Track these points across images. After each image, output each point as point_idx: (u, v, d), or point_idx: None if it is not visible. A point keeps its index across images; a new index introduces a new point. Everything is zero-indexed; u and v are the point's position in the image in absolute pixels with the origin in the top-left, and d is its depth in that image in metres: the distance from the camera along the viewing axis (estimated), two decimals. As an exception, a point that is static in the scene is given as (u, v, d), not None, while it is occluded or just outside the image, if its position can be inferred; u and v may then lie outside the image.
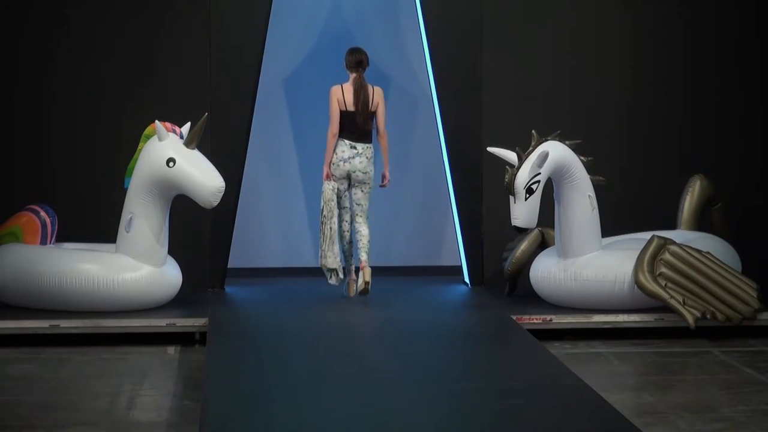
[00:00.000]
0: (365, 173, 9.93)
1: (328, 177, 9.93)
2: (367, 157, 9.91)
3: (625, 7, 10.80)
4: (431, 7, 10.58)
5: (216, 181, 9.01)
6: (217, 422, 6.15)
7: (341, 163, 9.89)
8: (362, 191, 9.99)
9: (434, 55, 10.61)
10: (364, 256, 10.00)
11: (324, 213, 9.89)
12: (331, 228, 9.88)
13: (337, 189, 9.96)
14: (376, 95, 9.93)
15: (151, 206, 9.17)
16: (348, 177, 9.93)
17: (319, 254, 9.97)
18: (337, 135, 9.90)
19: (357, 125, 9.89)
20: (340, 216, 10.02)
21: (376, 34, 11.52)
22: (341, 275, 9.95)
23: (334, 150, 9.92)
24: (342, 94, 9.91)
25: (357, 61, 9.92)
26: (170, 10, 10.44)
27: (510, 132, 10.01)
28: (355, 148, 9.89)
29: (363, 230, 10.04)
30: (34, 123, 10.40)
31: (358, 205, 10.03)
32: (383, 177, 10.06)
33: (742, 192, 10.68)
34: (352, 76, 9.95)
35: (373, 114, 9.94)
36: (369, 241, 10.03)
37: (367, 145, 9.93)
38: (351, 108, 9.89)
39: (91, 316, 9.07)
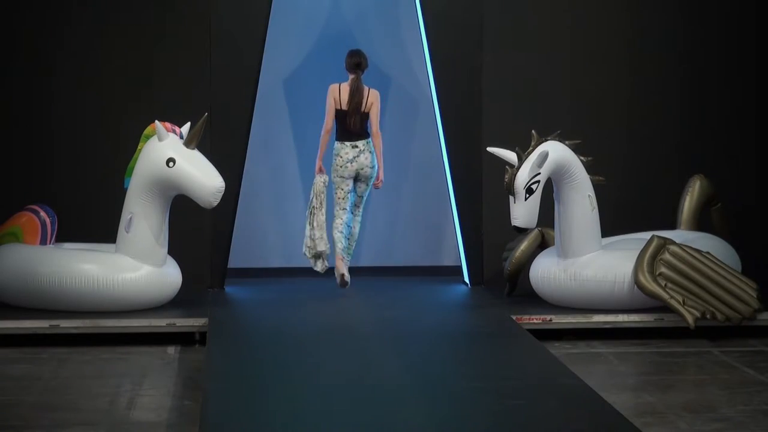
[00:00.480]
0: (372, 167, 10.30)
1: (320, 171, 10.33)
2: (369, 151, 10.29)
3: (625, 8, 10.79)
4: (431, 7, 10.57)
5: (216, 181, 9.01)
6: (217, 422, 6.15)
7: (348, 164, 10.26)
8: (366, 184, 10.39)
9: (434, 55, 10.61)
10: (347, 258, 10.33)
11: (314, 204, 10.27)
12: (318, 219, 10.24)
13: (340, 189, 10.27)
14: (371, 97, 10.26)
15: (151, 206, 9.17)
16: (356, 175, 10.29)
17: (305, 243, 10.31)
18: (330, 131, 10.29)
19: (350, 124, 10.24)
20: (338, 215, 10.30)
21: (376, 34, 11.52)
22: (326, 263, 10.27)
23: (339, 154, 10.27)
24: (339, 93, 10.26)
25: (355, 63, 10.27)
26: (170, 10, 10.43)
27: (510, 132, 10.01)
28: (356, 146, 10.25)
29: (356, 228, 10.42)
30: (34, 123, 10.40)
31: (360, 196, 10.41)
32: (376, 178, 10.34)
33: (741, 192, 10.68)
34: (351, 77, 10.28)
35: (366, 114, 10.26)
36: (355, 241, 10.44)
37: (365, 140, 10.28)
38: (345, 107, 10.24)
39: (91, 316, 9.07)
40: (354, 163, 10.25)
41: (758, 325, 9.10)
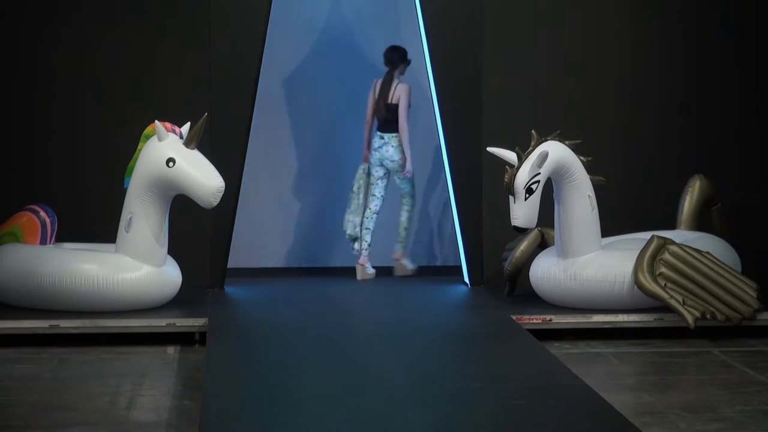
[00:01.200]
0: (393, 161, 10.90)
1: (365, 159, 11.03)
2: (393, 146, 10.91)
3: (625, 8, 10.79)
4: (431, 6, 10.57)
5: (216, 181, 9.00)
6: (217, 422, 6.15)
7: (374, 152, 10.98)
8: (399, 178, 10.98)
9: (434, 55, 10.60)
10: (396, 247, 11.14)
11: (353, 190, 11.02)
12: (357, 202, 11.00)
13: (372, 175, 10.97)
14: (398, 90, 10.88)
15: (150, 206, 9.17)
16: (383, 165, 10.95)
17: (344, 223, 11.12)
18: (369, 123, 11.03)
19: (379, 116, 10.93)
20: (368, 202, 11.03)
21: (376, 34, 11.53)
22: (355, 246, 10.99)
23: (371, 141, 11.01)
24: (375, 87, 10.98)
25: (387, 58, 11.05)
26: (170, 10, 10.42)
27: (510, 132, 10.01)
28: (383, 138, 10.95)
29: (401, 217, 11.11)
30: (34, 123, 10.40)
31: (401, 188, 11.07)
32: (403, 168, 10.92)
33: (741, 192, 10.67)
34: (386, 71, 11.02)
35: (395, 107, 10.84)
36: (405, 229, 11.13)
37: (392, 134, 10.91)
38: (379, 99, 10.91)
39: (91, 316, 9.07)
40: (377, 153, 10.93)
41: (758, 325, 9.09)
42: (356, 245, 11.01)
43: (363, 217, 10.98)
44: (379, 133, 10.92)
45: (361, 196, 10.99)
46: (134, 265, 9.20)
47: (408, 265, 11.18)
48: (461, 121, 10.62)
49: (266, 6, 10.39)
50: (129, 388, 7.61)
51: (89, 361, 8.47)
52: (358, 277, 10.94)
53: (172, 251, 9.45)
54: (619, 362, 8.39)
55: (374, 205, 10.98)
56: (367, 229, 10.96)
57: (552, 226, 9.58)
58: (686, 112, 10.81)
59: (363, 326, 9.08)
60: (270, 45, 10.54)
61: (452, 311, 9.98)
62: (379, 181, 10.96)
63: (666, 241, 9.10)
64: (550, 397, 6.70)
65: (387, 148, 10.87)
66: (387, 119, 10.88)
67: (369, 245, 10.97)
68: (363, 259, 10.98)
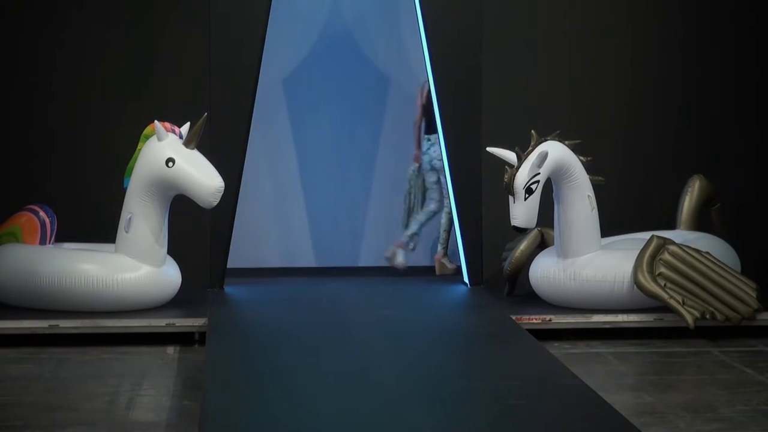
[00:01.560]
0: (440, 160, 10.92)
1: (415, 159, 11.29)
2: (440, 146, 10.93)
3: (624, 8, 10.79)
4: (431, 7, 10.56)
5: (215, 181, 9.00)
6: (217, 422, 6.15)
7: (424, 156, 11.24)
8: (444, 177, 10.95)
9: (434, 55, 10.60)
10: (438, 248, 11.35)
11: (407, 190, 11.30)
12: (408, 204, 11.27)
13: (426, 182, 11.22)
14: None
15: (150, 206, 9.16)
16: (434, 169, 11.15)
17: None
18: (417, 125, 11.27)
19: (425, 117, 11.14)
20: (415, 202, 11.39)
21: (376, 34, 11.53)
22: (410, 245, 11.28)
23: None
24: (423, 91, 11.19)
25: None
26: (170, 10, 10.42)
27: (510, 132, 10.01)
28: (429, 139, 11.21)
29: (442, 219, 11.29)
30: (34, 123, 10.40)
31: (445, 188, 11.06)
32: None
33: (741, 192, 10.67)
34: None
35: None
36: (445, 231, 11.27)
37: (437, 135, 10.91)
38: (424, 102, 11.25)
39: (91, 316, 9.07)
40: (427, 155, 11.18)
41: (758, 325, 9.09)
42: (411, 244, 11.26)
43: (419, 210, 11.27)
44: (426, 136, 11.18)
45: (412, 197, 11.22)
46: (134, 265, 9.19)
47: (447, 264, 11.35)
48: (461, 121, 10.62)
49: (266, 6, 10.38)
50: (128, 388, 7.61)
51: (89, 361, 8.47)
52: (386, 254, 11.29)
53: (171, 251, 9.44)
54: (618, 362, 8.39)
55: (432, 205, 11.24)
56: (416, 220, 11.24)
57: (552, 226, 9.58)
58: (686, 112, 10.81)
59: (363, 326, 9.07)
60: (270, 45, 10.54)
61: (452, 311, 9.98)
62: (435, 185, 11.21)
63: (666, 241, 9.10)
64: (550, 397, 6.70)
65: (435, 149, 11.06)
66: (434, 122, 11.04)
67: (412, 235, 11.25)
68: (400, 243, 11.28)
